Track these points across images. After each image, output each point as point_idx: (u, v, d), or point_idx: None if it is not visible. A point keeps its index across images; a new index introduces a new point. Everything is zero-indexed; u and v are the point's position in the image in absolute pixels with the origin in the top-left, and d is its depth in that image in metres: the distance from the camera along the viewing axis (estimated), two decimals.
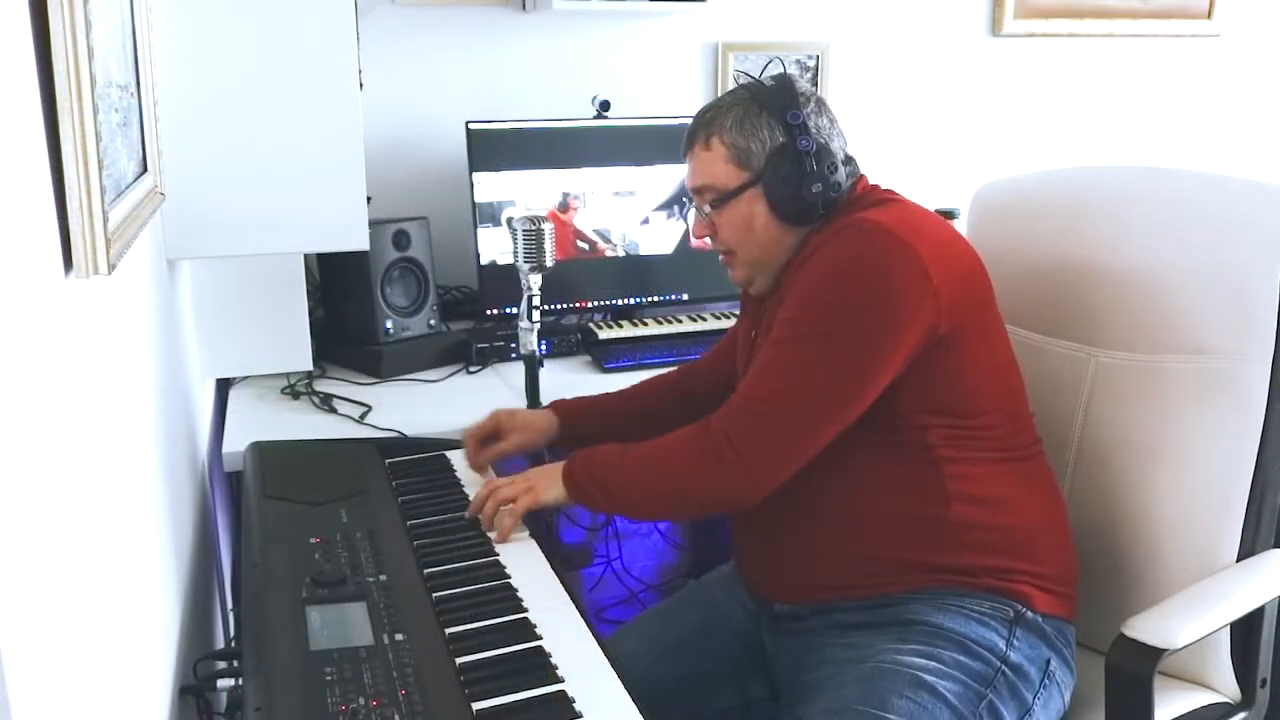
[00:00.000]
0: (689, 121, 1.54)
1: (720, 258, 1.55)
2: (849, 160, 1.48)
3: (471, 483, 1.62)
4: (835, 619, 1.41)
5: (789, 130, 1.43)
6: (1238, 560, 1.44)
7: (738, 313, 2.47)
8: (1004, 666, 1.33)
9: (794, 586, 1.46)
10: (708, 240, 1.55)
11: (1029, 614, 1.36)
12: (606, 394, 1.78)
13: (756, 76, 1.49)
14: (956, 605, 1.35)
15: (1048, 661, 1.37)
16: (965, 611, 1.35)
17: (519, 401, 1.93)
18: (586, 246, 2.44)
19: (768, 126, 1.44)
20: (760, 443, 1.34)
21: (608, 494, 1.44)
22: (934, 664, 1.31)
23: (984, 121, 3.03)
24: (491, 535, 1.43)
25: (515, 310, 1.88)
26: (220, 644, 1.74)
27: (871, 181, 1.51)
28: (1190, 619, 1.32)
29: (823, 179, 1.42)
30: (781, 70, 1.52)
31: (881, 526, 1.37)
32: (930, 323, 1.32)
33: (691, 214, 1.55)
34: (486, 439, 1.68)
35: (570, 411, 1.72)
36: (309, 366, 2.10)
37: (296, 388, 2.08)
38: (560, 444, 1.73)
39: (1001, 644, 1.34)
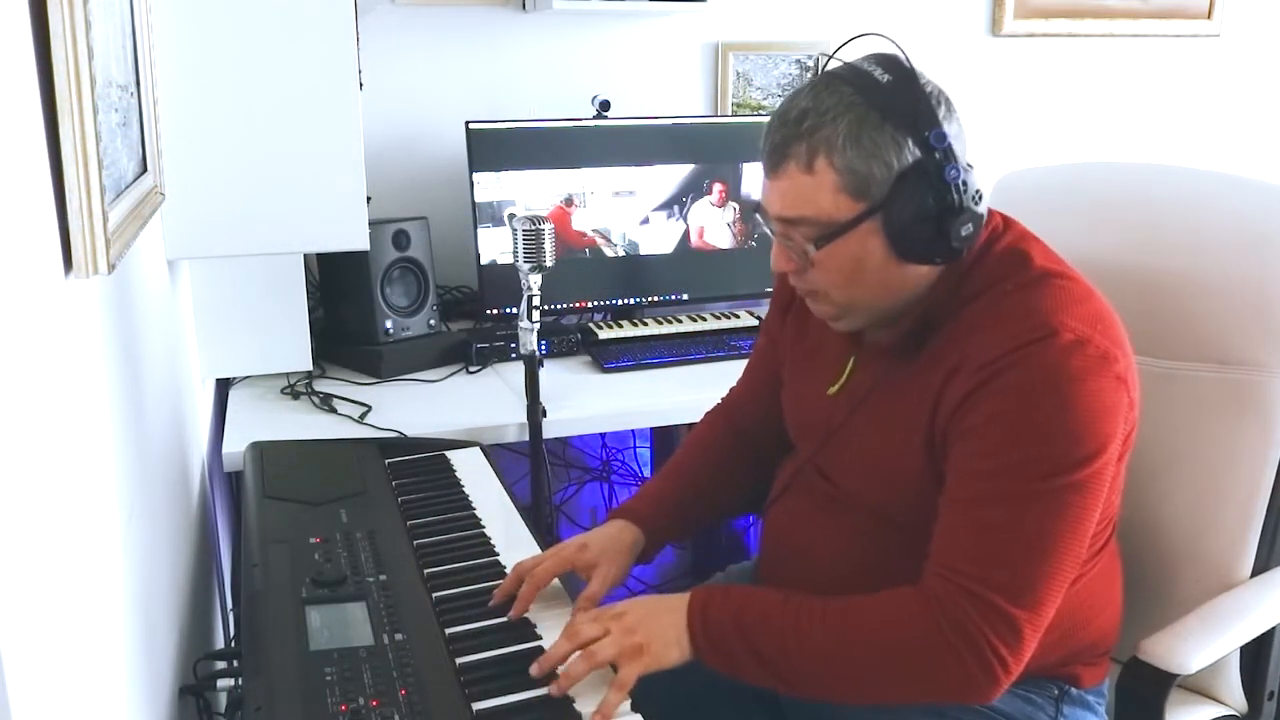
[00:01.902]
0: (689, 121, 1.40)
1: (799, 289, 1.27)
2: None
3: (472, 482, 1.62)
4: None
5: (929, 151, 1.12)
6: (1252, 575, 1.43)
7: (738, 313, 2.49)
8: None
9: None
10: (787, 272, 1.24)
11: (1074, 691, 1.29)
12: (663, 478, 1.48)
13: (835, 59, 1.19)
14: None
15: None
16: (1012, 691, 1.21)
17: (518, 402, 1.93)
18: (586, 246, 2.44)
19: (894, 144, 1.11)
20: (1031, 643, 1.11)
21: (774, 670, 1.14)
22: None
23: (984, 122, 3.03)
24: (587, 710, 1.08)
25: (515, 310, 1.88)
26: (220, 644, 1.74)
27: None
28: (1205, 642, 1.30)
29: (974, 216, 1.13)
30: (898, 52, 1.17)
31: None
32: (1124, 441, 1.17)
33: (763, 239, 1.32)
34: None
35: (649, 517, 1.38)
36: (309, 366, 2.10)
37: (296, 388, 2.08)
38: (644, 557, 1.38)
39: None
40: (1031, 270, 1.18)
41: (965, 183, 1.12)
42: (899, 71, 1.14)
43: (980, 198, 1.15)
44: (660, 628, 1.15)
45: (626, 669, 1.11)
